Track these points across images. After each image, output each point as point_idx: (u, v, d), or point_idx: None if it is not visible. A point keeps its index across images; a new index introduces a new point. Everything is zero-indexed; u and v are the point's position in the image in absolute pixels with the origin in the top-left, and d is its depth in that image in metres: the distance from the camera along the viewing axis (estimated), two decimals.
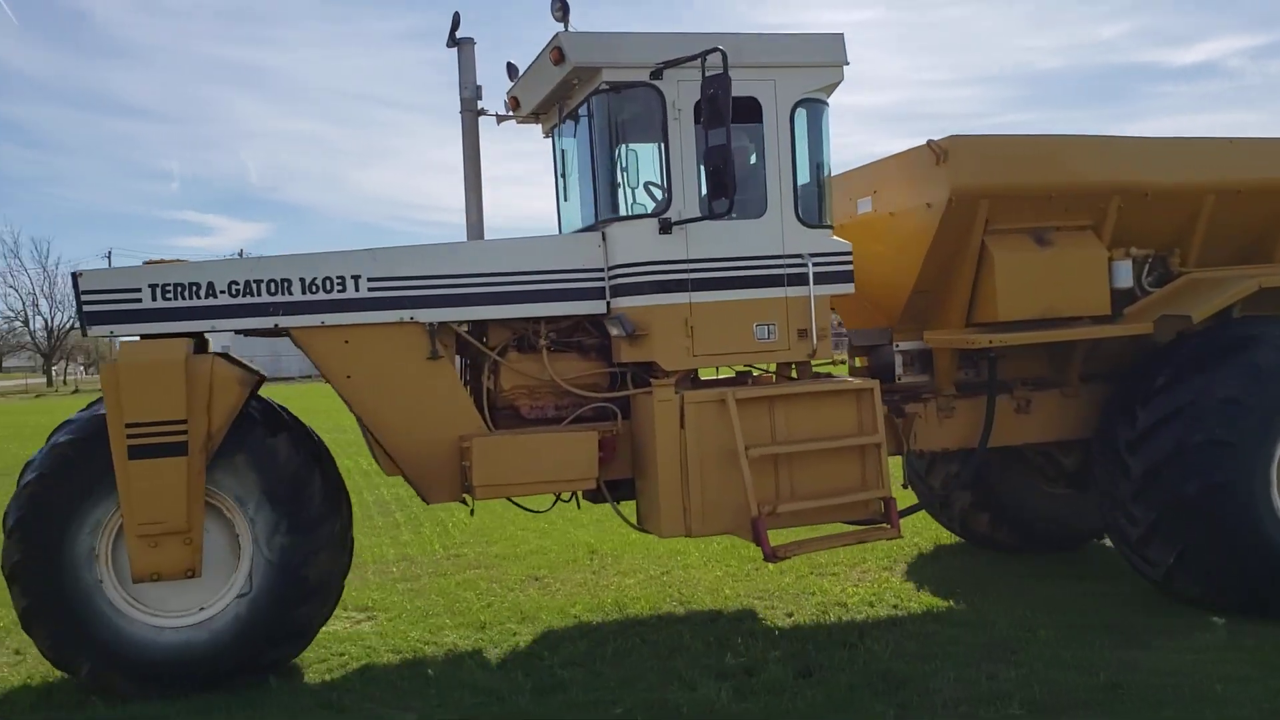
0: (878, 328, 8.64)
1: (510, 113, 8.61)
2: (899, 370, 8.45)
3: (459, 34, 8.25)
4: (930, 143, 7.63)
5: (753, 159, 7.60)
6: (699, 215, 7.16)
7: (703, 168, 7.03)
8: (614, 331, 7.35)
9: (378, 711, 6.39)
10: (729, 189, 6.83)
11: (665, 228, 7.27)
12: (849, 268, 7.69)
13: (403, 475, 7.39)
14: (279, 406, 7.47)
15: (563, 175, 8.61)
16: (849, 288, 7.72)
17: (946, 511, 10.18)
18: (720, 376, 8.41)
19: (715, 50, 6.76)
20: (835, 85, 7.73)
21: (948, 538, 10.48)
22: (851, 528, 7.57)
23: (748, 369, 8.31)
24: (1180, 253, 8.24)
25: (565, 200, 8.64)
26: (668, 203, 7.31)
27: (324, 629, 7.56)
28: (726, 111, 6.74)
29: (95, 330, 6.93)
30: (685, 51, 7.01)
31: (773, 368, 8.05)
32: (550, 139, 8.70)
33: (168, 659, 6.78)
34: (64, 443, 6.80)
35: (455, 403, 7.37)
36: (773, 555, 6.97)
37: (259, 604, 6.86)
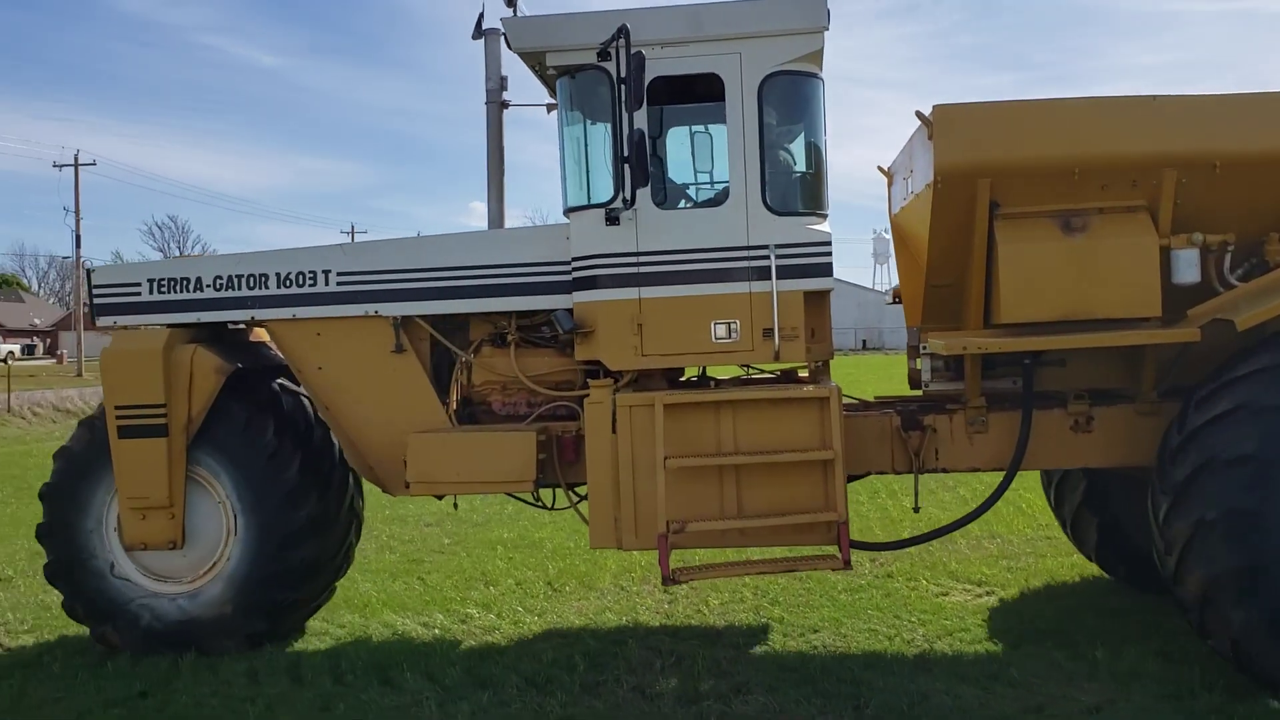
0: (915, 327, 7.58)
1: (555, 101, 8.47)
2: (926, 376, 7.36)
3: (485, 26, 8.25)
4: (919, 113, 6.54)
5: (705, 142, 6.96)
6: (621, 205, 6.69)
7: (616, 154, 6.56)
8: (558, 329, 7.03)
9: (1055, 691, 6.27)
10: (639, 178, 6.35)
11: (612, 218, 6.84)
12: (827, 260, 6.82)
13: (360, 467, 7.53)
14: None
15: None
16: (826, 282, 6.85)
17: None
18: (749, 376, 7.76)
19: (622, 28, 6.27)
20: (818, 54, 6.85)
21: None
22: (807, 552, 6.74)
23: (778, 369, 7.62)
24: None
25: None
26: (616, 192, 6.87)
27: (946, 599, 8.21)
28: (635, 93, 6.26)
29: (102, 320, 7.69)
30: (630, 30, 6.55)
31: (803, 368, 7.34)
32: None
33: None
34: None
35: (419, 397, 7.40)
36: (670, 578, 6.37)
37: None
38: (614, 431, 6.73)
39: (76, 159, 58.45)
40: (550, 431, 7.20)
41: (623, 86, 6.37)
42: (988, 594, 8.49)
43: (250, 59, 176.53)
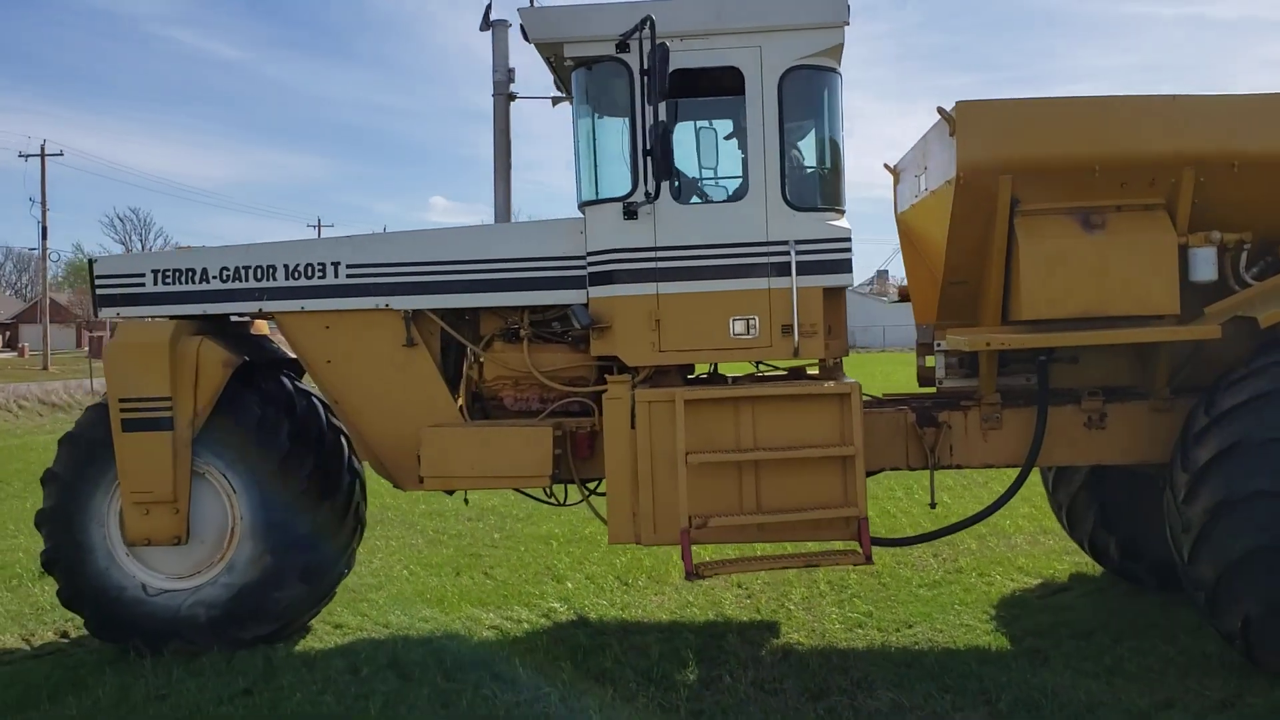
0: (927, 325, 7.59)
1: (561, 94, 8.40)
2: (941, 373, 7.37)
3: (494, 17, 8.17)
4: (940, 110, 6.54)
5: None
6: (643, 199, 6.64)
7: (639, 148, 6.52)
8: (576, 324, 6.98)
9: (1178, 685, 6.20)
10: (662, 171, 6.31)
11: (630, 212, 6.79)
12: (846, 256, 6.81)
13: (372, 461, 7.44)
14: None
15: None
16: (846, 279, 6.84)
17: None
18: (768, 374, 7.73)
19: (647, 18, 6.23)
20: (838, 49, 6.83)
21: None
22: (831, 547, 6.72)
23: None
24: None
25: None
26: (635, 186, 6.81)
27: (1026, 593, 8.12)
28: (660, 85, 6.22)
29: (105, 312, 7.54)
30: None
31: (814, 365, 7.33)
32: None
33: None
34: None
35: (430, 391, 7.31)
36: (692, 573, 6.34)
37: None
38: (633, 427, 6.68)
39: (43, 149, 57.46)
40: (564, 427, 7.15)
41: (645, 78, 6.33)
42: (1065, 589, 8.48)
43: (212, 51, 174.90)
